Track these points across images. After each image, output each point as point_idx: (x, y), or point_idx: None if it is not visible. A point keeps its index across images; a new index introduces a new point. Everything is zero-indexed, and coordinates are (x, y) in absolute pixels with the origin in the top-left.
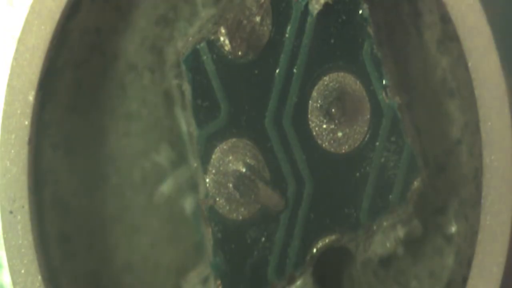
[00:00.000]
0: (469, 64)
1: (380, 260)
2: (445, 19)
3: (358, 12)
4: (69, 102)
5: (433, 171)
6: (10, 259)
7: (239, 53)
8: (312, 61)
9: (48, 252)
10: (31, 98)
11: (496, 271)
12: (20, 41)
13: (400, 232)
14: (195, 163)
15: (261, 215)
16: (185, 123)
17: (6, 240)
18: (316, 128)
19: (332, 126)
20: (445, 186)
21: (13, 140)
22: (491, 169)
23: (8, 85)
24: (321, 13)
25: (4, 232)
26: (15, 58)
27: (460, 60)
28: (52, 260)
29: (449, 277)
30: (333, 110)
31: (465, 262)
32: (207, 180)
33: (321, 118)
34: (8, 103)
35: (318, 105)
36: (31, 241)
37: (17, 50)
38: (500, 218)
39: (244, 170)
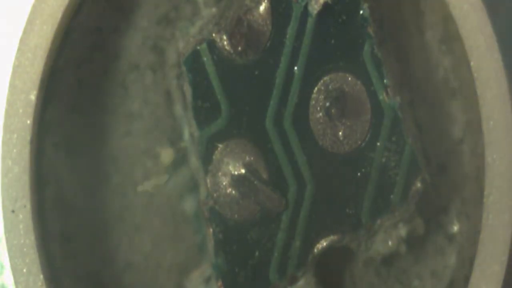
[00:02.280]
0: (471, 64)
1: (382, 259)
2: (447, 18)
3: (359, 12)
4: (70, 101)
5: (435, 170)
6: (12, 259)
7: (239, 48)
8: (313, 61)
9: (50, 252)
10: (33, 97)
11: (498, 270)
12: (22, 40)
13: (402, 230)
14: (196, 164)
15: (262, 216)
16: (186, 123)
17: (8, 240)
18: (317, 129)
19: (333, 127)
20: (447, 185)
21: (15, 139)
22: (493, 168)
23: (10, 84)
24: (321, 13)
25: (6, 232)
26: (17, 58)
27: (462, 60)
28: (54, 259)
29: (451, 276)
30: (333, 110)
31: (467, 261)
32: (208, 180)
33: (322, 118)
34: (10, 102)
35: (319, 106)
36: (33, 241)
37: (19, 49)
38: (502, 217)
39: (244, 171)
